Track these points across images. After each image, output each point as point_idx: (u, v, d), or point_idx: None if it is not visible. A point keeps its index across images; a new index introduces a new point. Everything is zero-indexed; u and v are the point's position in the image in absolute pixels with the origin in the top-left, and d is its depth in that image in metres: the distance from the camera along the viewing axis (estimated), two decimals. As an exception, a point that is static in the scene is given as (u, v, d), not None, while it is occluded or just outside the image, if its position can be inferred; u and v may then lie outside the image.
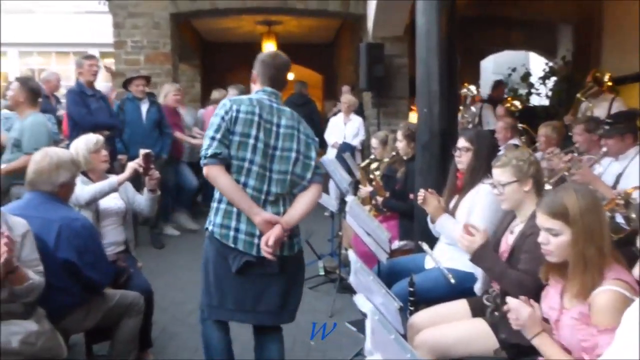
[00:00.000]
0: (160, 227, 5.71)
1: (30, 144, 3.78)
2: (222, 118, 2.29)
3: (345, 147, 6.72)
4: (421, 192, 2.82)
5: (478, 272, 2.50)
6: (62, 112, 5.83)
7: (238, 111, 2.30)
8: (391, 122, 6.92)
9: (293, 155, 2.37)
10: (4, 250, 1.97)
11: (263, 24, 9.63)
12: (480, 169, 2.69)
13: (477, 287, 2.51)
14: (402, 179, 3.69)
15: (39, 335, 2.14)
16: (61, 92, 6.38)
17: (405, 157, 3.82)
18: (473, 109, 6.38)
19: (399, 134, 3.78)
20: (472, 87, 6.30)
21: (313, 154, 2.43)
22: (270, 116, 2.36)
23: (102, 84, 6.29)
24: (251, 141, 2.30)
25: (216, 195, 2.37)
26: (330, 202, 4.84)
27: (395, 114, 7.07)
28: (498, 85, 7.94)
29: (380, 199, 3.88)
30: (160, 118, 5.59)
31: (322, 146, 7.97)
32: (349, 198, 3.07)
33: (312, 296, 4.24)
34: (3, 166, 3.85)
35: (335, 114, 7.44)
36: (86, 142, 3.14)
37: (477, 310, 2.34)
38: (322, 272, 4.62)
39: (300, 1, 7.09)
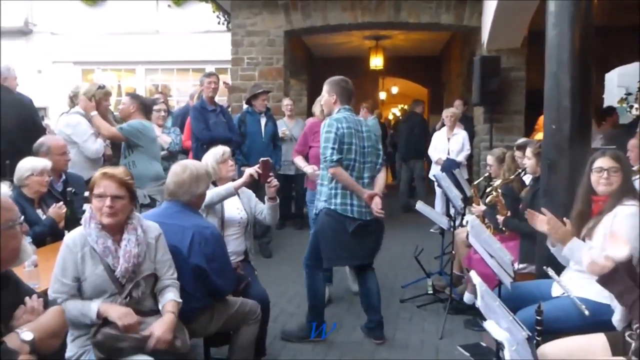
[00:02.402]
0: (270, 236, 5.87)
1: (129, 127, 4.26)
2: (335, 134, 3.35)
3: (449, 164, 6.51)
4: (530, 212, 2.69)
5: (616, 303, 2.28)
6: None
7: (342, 128, 3.37)
8: (504, 138, 6.61)
9: (372, 150, 3.51)
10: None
11: (371, 38, 9.69)
12: (626, 190, 2.48)
13: (617, 320, 2.27)
14: (528, 198, 3.48)
15: None
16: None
17: (533, 176, 3.62)
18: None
19: (529, 151, 3.58)
20: None
21: (380, 145, 3.63)
22: (358, 127, 3.47)
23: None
24: (353, 147, 3.40)
25: (331, 185, 3.43)
26: (439, 218, 4.71)
27: (510, 129, 6.75)
28: (611, 111, 6.71)
29: (500, 218, 3.70)
30: (275, 131, 5.82)
31: (425, 158, 7.81)
32: (470, 217, 2.95)
33: (420, 315, 4.14)
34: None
35: (442, 126, 7.24)
36: (214, 154, 3.36)
37: (618, 348, 2.13)
38: (430, 291, 4.50)
39: (412, 15, 7.04)
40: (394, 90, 15.09)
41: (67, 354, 2.17)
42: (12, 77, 4.54)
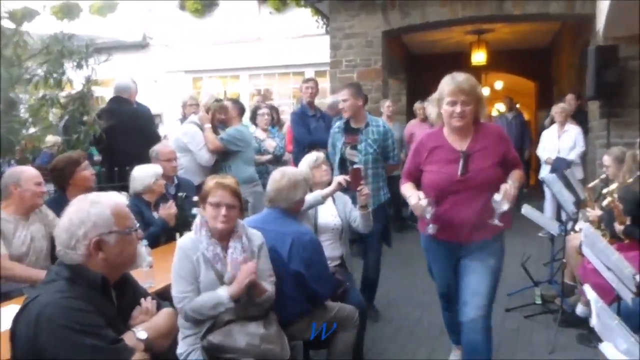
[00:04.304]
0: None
1: (227, 136, 4.59)
2: None
3: (560, 163, 6.07)
4: None
5: None
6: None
7: None
8: (624, 135, 6.04)
9: None
10: (251, 274, 2.31)
11: (473, 33, 9.32)
12: None
13: None
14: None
15: (263, 337, 2.33)
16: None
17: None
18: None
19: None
20: None
21: None
22: None
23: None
24: None
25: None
26: (549, 223, 4.42)
27: (630, 125, 6.11)
28: None
29: (619, 226, 3.38)
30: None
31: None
32: (583, 225, 2.73)
33: (529, 326, 3.91)
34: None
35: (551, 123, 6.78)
36: (308, 159, 3.43)
37: None
38: (538, 301, 4.24)
39: (517, 6, 6.66)
40: (498, 85, 14.39)
41: (178, 351, 2.32)
42: (134, 91, 4.96)
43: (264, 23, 10.71)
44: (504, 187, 2.48)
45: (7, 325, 1.97)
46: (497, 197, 2.48)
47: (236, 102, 5.11)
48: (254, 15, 10.76)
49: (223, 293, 2.31)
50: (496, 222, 2.54)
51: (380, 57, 7.30)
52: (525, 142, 8.92)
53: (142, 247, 2.46)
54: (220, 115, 4.65)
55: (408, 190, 2.74)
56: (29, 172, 2.95)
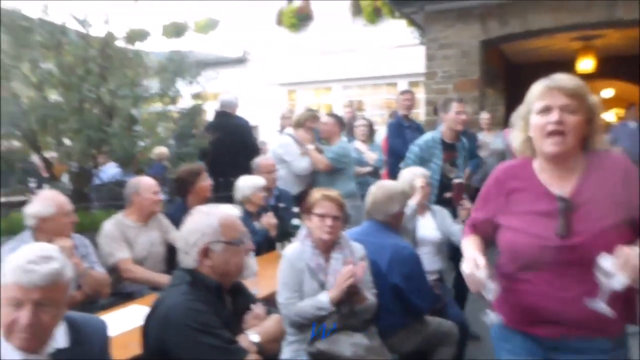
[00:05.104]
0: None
1: (334, 155, 4.57)
2: None
3: None
4: None
5: None
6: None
7: None
8: None
9: None
10: (351, 276, 2.35)
11: (579, 39, 8.81)
12: None
13: None
14: None
15: (368, 349, 2.37)
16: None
17: None
18: None
19: None
20: None
21: None
22: None
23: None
24: None
25: None
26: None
27: None
28: None
29: None
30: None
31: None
32: None
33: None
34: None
35: None
36: (413, 174, 3.39)
37: None
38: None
39: (629, 11, 6.21)
40: (608, 93, 13.44)
41: (283, 356, 2.42)
42: (235, 106, 5.25)
43: (357, 34, 10.86)
44: (625, 251, 1.48)
45: (133, 323, 2.18)
46: (605, 263, 1.48)
47: (335, 117, 5.14)
48: (348, 28, 10.94)
49: (324, 297, 2.39)
50: (599, 305, 1.52)
51: (477, 68, 7.11)
52: None
53: (251, 259, 2.59)
54: (311, 124, 4.72)
55: (466, 249, 1.79)
56: (147, 182, 3.22)
